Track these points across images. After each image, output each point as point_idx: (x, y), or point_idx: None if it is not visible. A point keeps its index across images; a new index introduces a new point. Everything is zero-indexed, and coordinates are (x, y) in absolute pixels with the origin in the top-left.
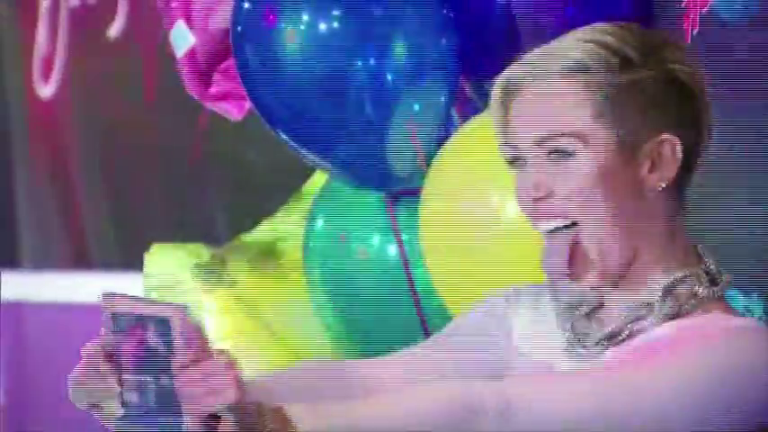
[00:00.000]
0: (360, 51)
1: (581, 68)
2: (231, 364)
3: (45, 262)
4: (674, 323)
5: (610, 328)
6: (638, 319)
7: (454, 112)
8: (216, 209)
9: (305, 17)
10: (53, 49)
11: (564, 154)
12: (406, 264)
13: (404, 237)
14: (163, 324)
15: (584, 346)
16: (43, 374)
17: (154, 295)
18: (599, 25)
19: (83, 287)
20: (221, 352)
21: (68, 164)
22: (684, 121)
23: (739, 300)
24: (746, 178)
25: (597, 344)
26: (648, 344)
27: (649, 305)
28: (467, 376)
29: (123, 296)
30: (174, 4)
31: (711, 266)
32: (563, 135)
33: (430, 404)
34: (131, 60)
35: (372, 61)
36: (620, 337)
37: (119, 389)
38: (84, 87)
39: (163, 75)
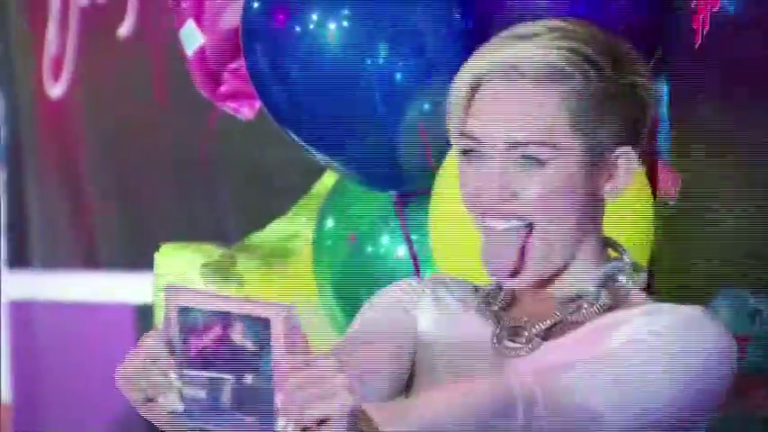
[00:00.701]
0: (369, 51)
1: (558, 75)
2: (341, 368)
3: (54, 261)
4: (620, 313)
5: (548, 322)
6: (575, 311)
7: None
8: (226, 208)
9: (315, 17)
10: (63, 49)
11: (534, 161)
12: (416, 263)
13: (414, 236)
14: (258, 323)
15: (514, 339)
16: (52, 373)
17: (163, 296)
18: (566, 24)
19: (92, 286)
20: (325, 355)
21: (78, 163)
22: (636, 134)
23: (749, 300)
24: (757, 178)
25: (534, 337)
26: (606, 332)
27: (583, 297)
28: (380, 372)
29: (194, 290)
30: (184, 4)
31: (631, 259)
32: (538, 143)
33: (485, 398)
34: (141, 60)
35: (382, 61)
36: (557, 330)
37: (180, 384)
38: (94, 87)
39: (173, 74)
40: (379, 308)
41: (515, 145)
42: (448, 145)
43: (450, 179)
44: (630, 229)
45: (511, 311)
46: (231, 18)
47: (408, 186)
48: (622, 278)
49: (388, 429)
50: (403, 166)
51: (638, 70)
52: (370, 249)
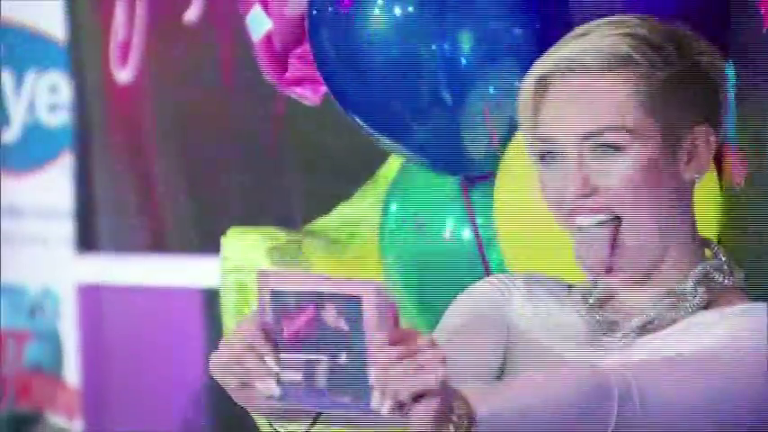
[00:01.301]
0: (434, 36)
1: (624, 62)
2: (434, 342)
3: (123, 245)
4: (717, 311)
5: (643, 318)
6: (671, 308)
7: None
8: (292, 192)
9: (380, 2)
10: (131, 34)
11: (612, 149)
12: (480, 247)
13: (478, 220)
14: (349, 301)
15: (609, 335)
16: (121, 355)
17: (231, 278)
18: (625, 18)
19: (160, 270)
20: (416, 331)
21: (146, 148)
22: (711, 113)
23: None
24: None
25: (629, 333)
26: (704, 330)
27: (680, 295)
28: (469, 365)
29: (285, 273)
30: None
31: (726, 258)
32: (613, 130)
33: (575, 386)
34: (208, 45)
35: (447, 46)
36: (652, 326)
37: (276, 368)
38: (162, 72)
39: (239, 59)
40: (470, 302)
41: (589, 135)
42: (512, 129)
43: (514, 162)
44: (696, 214)
45: (606, 307)
46: (297, 3)
47: (473, 170)
48: (719, 276)
49: (483, 409)
50: (468, 149)
51: (703, 50)
52: (435, 233)
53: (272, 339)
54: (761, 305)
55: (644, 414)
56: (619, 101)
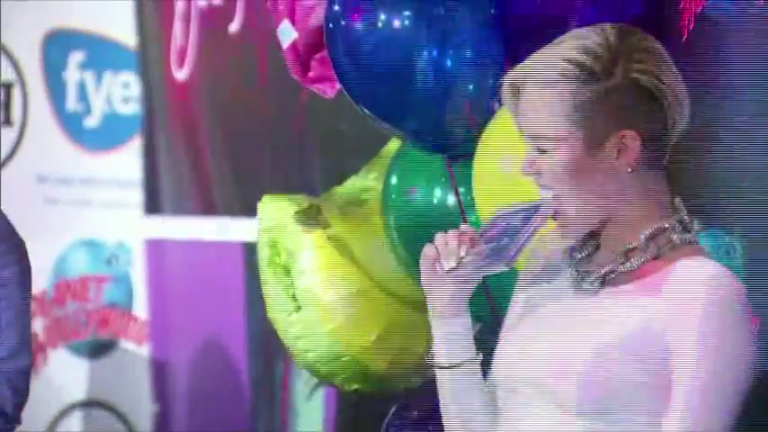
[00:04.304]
0: (425, 44)
1: (557, 81)
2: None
3: (180, 208)
4: (654, 264)
5: (604, 269)
6: (626, 261)
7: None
8: (313, 167)
9: (382, 17)
10: (186, 42)
11: (541, 150)
12: (462, 210)
13: (460, 189)
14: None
15: (587, 283)
16: (179, 294)
17: (265, 236)
18: (580, 36)
19: (210, 228)
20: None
21: (199, 131)
22: (647, 117)
23: (723, 238)
24: (732, 139)
25: (594, 281)
26: (636, 281)
27: (634, 250)
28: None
29: (504, 210)
30: (280, 7)
31: (685, 217)
32: (538, 137)
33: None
34: (248, 51)
35: (435, 52)
36: (612, 276)
37: (463, 254)
38: (211, 72)
39: (272, 62)
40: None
41: (528, 138)
42: (486, 118)
43: (488, 144)
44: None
45: (590, 261)
46: (317, 18)
47: (456, 150)
48: (672, 234)
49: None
50: (452, 134)
51: (645, 68)
52: (425, 199)
53: (473, 241)
54: (685, 261)
55: None
56: (547, 113)
